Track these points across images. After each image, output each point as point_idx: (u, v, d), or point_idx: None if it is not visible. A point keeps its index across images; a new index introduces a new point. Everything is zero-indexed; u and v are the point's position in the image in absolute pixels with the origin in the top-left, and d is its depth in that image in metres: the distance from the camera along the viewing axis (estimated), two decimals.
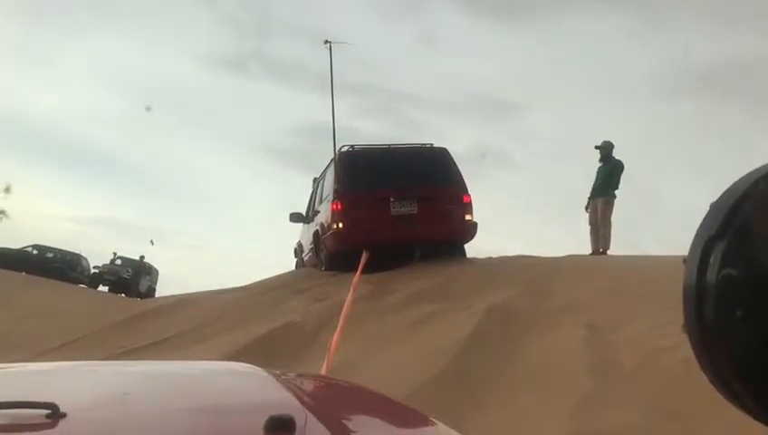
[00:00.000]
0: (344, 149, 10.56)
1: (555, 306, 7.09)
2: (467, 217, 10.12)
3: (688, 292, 0.61)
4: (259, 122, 54.82)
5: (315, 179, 12.42)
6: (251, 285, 10.46)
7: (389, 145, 10.88)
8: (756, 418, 0.60)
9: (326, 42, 10.11)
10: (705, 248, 0.60)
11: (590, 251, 11.97)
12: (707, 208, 0.62)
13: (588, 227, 12.29)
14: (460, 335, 6.24)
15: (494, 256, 11.21)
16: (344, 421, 1.13)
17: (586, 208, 12.13)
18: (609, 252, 11.94)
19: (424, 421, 1.34)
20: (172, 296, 10.44)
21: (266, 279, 10.79)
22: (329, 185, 10.50)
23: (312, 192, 12.36)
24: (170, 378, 1.43)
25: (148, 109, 30.39)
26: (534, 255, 10.98)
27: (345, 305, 7.32)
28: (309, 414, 1.07)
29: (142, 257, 26.45)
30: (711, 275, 0.59)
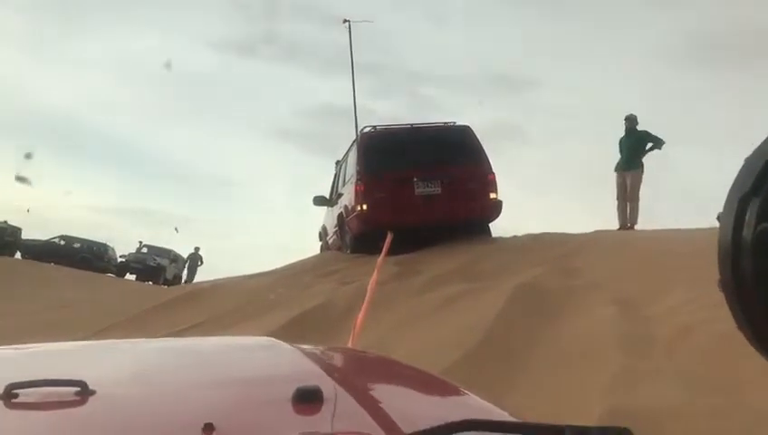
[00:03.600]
0: (366, 129, 10.52)
1: (585, 283, 7.03)
2: (492, 196, 10.05)
3: (724, 248, 0.60)
4: (275, 106, 54.92)
5: (338, 162, 12.40)
6: (278, 269, 10.51)
7: (411, 125, 10.81)
8: None
9: (345, 21, 10.05)
10: (740, 204, 0.59)
11: (618, 226, 11.86)
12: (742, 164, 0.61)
13: (615, 202, 12.20)
14: (490, 313, 6.21)
15: (518, 234, 11.15)
16: (371, 391, 1.12)
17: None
18: (636, 227, 11.83)
19: (453, 390, 1.32)
20: (202, 283, 10.55)
21: (293, 263, 10.83)
22: (351, 167, 10.47)
23: (335, 175, 12.34)
24: (197, 353, 1.43)
25: (167, 65, 29.63)
26: (560, 232, 10.90)
27: (370, 285, 7.34)
28: (336, 385, 1.07)
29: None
30: (747, 231, 0.58)
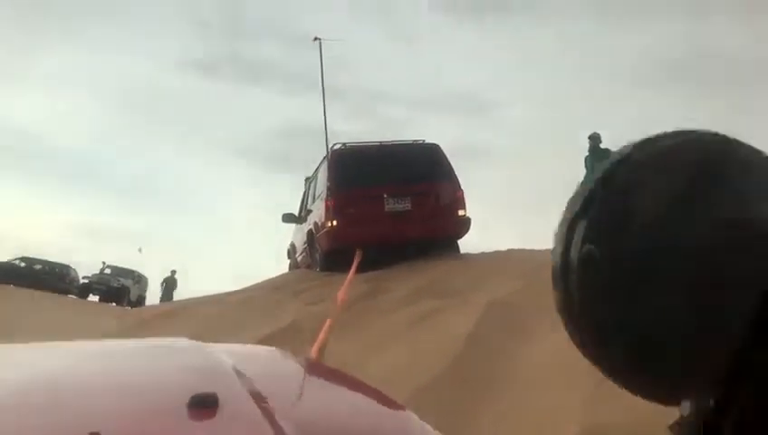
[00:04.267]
0: (336, 147, 10.46)
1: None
2: (461, 213, 10.05)
3: (555, 266, 0.65)
4: (239, 125, 54.78)
5: (307, 179, 12.31)
6: (247, 288, 10.33)
7: (381, 142, 10.78)
8: (615, 381, 0.66)
9: (315, 38, 10.00)
10: (569, 225, 0.63)
11: None
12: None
13: None
14: (461, 332, 6.15)
15: (486, 250, 11.14)
16: (281, 398, 1.06)
17: None
18: None
19: (382, 401, 1.23)
20: (166, 304, 10.31)
21: (261, 282, 10.66)
22: (322, 183, 10.40)
23: (305, 192, 12.25)
24: (101, 356, 1.36)
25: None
26: (527, 248, 10.91)
27: (338, 298, 7.19)
28: (242, 390, 1.02)
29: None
30: (574, 251, 0.62)
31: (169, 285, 24.31)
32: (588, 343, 0.65)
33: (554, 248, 0.65)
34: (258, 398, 1.01)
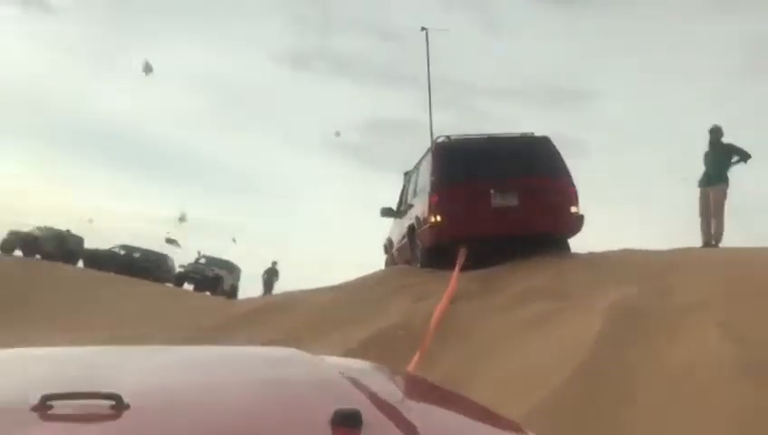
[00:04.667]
0: (440, 140, 10.17)
1: (682, 304, 6.48)
2: (573, 209, 9.57)
3: None
4: (328, 118, 55.31)
5: (407, 173, 12.06)
6: (347, 283, 10.18)
7: (488, 135, 10.41)
8: None
9: (422, 29, 9.75)
10: None
11: (702, 243, 11.22)
12: None
13: (698, 219, 11.54)
14: (584, 337, 5.74)
15: (595, 250, 10.62)
16: (415, 417, 1.04)
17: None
18: (720, 244, 11.16)
19: (507, 425, 1.22)
20: (267, 297, 10.30)
21: (362, 277, 10.49)
22: (424, 177, 10.12)
23: (404, 186, 12.00)
24: (232, 366, 1.39)
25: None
26: (641, 248, 10.33)
27: (439, 306, 6.91)
28: (373, 407, 1.03)
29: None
30: None
31: (270, 276, 24.21)
32: None
33: None
34: (398, 417, 1.01)
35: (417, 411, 1.10)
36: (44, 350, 1.52)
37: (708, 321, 5.78)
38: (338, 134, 29.24)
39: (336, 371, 1.28)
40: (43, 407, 0.95)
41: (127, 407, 0.97)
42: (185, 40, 57.41)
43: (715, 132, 11.33)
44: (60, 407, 0.95)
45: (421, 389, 1.51)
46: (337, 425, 0.91)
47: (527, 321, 6.42)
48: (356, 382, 1.19)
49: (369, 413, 0.96)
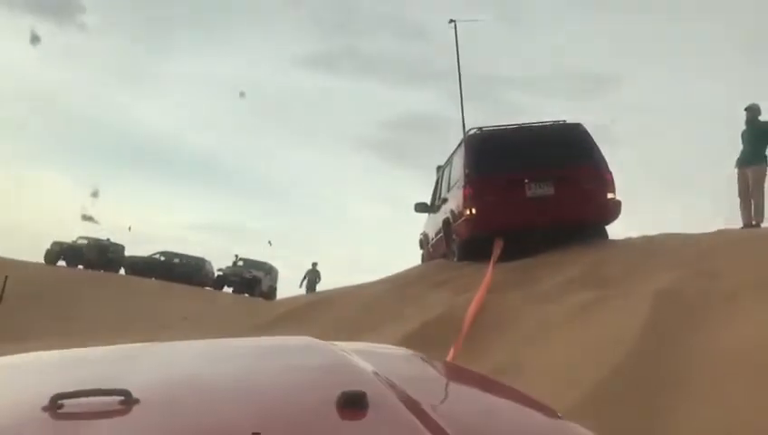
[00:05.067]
0: (471, 132, 10.13)
1: (730, 288, 6.35)
2: (609, 196, 9.45)
3: None
4: (356, 119, 55.41)
5: (439, 167, 12.04)
6: (385, 279, 10.20)
7: (520, 124, 10.34)
8: None
9: (451, 21, 9.72)
10: None
11: (742, 224, 11.00)
12: None
13: (737, 200, 11.32)
14: (632, 324, 5.66)
15: (631, 236, 10.48)
16: (425, 398, 1.02)
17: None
18: (763, 224, 10.93)
19: (528, 403, 1.20)
20: (305, 296, 10.38)
21: (399, 273, 10.51)
22: (458, 170, 10.08)
23: (437, 180, 11.98)
24: (238, 356, 1.39)
25: (242, 95, 31.80)
26: (680, 233, 10.16)
27: (476, 298, 6.88)
28: (383, 389, 1.02)
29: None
30: None
31: (312, 277, 24.01)
32: None
33: None
34: (404, 398, 0.99)
35: (428, 393, 1.08)
36: (56, 352, 1.53)
37: (762, 304, 5.66)
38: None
39: (346, 355, 1.28)
40: (54, 406, 0.96)
41: (136, 402, 0.97)
42: (212, 50, 57.98)
43: (752, 111, 11.06)
44: (70, 406, 0.96)
45: (440, 371, 1.49)
46: (343, 406, 0.91)
47: (570, 310, 6.35)
48: (366, 366, 1.18)
49: (377, 395, 0.96)
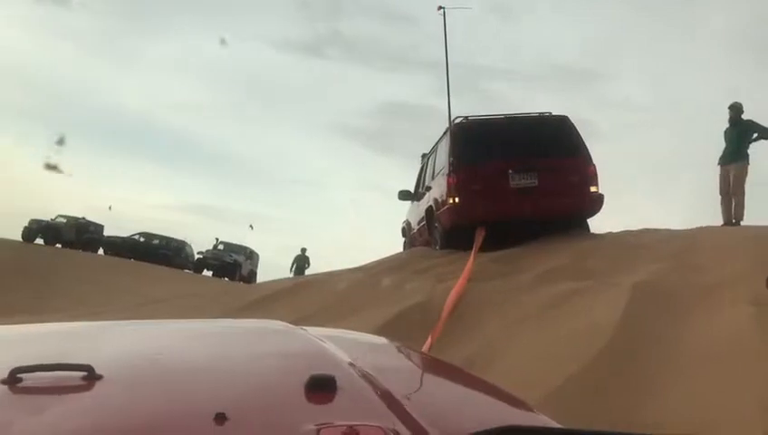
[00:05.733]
0: (457, 120, 10.09)
1: (709, 282, 6.40)
2: (592, 189, 9.47)
3: None
4: (340, 104, 55.25)
5: (424, 155, 12.01)
6: (366, 265, 10.17)
7: (506, 115, 10.32)
8: None
9: (439, 8, 9.65)
10: None
11: (722, 222, 11.09)
12: None
13: (718, 197, 11.41)
14: (610, 315, 5.68)
15: (614, 230, 10.52)
16: (394, 385, 1.02)
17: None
18: (742, 222, 11.03)
19: (489, 389, 1.23)
20: (285, 280, 10.33)
21: (381, 260, 10.48)
22: (442, 159, 10.05)
23: (422, 168, 11.95)
24: (207, 337, 1.38)
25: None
26: (661, 228, 10.23)
27: (458, 282, 6.87)
28: (352, 373, 1.02)
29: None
30: None
31: (300, 263, 23.81)
32: None
33: None
34: (373, 384, 0.99)
35: (396, 378, 1.08)
36: (18, 327, 1.49)
37: (739, 298, 5.69)
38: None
39: (317, 340, 1.26)
40: (13, 380, 0.93)
41: (99, 378, 0.95)
42: (197, 31, 57.53)
43: (735, 109, 11.14)
44: (30, 380, 0.94)
45: (411, 360, 1.49)
46: (311, 390, 0.91)
47: (551, 300, 6.36)
48: (336, 351, 1.17)
49: (346, 379, 0.96)
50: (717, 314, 5.55)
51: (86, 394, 0.93)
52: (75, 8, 46.89)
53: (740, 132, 11.07)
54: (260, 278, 28.83)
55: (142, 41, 52.15)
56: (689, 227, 9.96)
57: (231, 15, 55.86)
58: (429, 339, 5.82)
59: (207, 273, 29.44)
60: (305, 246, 24.33)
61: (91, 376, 0.95)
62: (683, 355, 4.84)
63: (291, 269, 23.35)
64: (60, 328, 1.52)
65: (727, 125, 11.27)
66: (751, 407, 4.02)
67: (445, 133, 10.25)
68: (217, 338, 1.37)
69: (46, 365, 0.95)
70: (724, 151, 11.20)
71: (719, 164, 11.25)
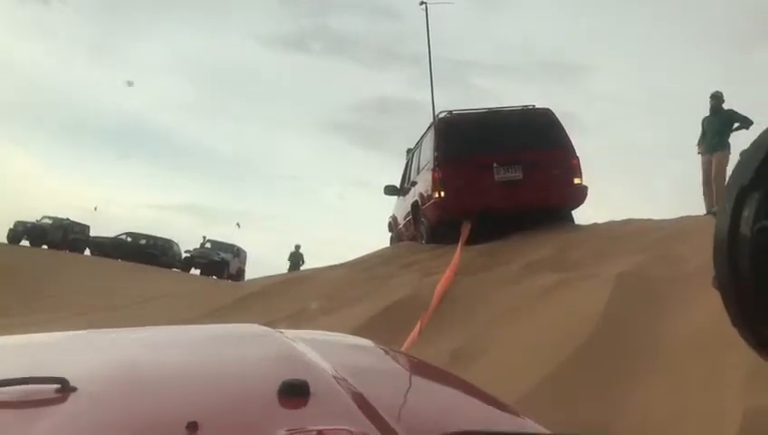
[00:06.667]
0: (442, 115, 10.14)
1: (691, 272, 6.47)
2: (576, 181, 9.56)
3: (720, 245, 0.61)
4: (324, 99, 55.17)
5: (409, 150, 12.06)
6: (353, 260, 10.21)
7: (489, 108, 10.38)
8: None
9: (422, 2, 9.68)
10: (738, 199, 0.58)
11: (705, 211, 11.20)
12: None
13: (700, 187, 11.52)
14: (594, 306, 5.75)
15: (598, 221, 10.62)
16: (368, 388, 1.02)
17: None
18: None
19: (469, 391, 1.23)
20: (274, 276, 10.35)
21: (368, 254, 10.52)
22: (427, 153, 10.10)
23: (407, 163, 12.00)
24: (181, 344, 1.38)
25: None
26: (645, 218, 10.33)
27: (444, 276, 6.93)
28: (327, 378, 1.02)
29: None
30: (745, 228, 0.58)
31: (295, 260, 23.56)
32: (762, 331, 0.59)
33: (718, 222, 0.61)
34: (347, 388, 0.99)
35: (371, 381, 1.08)
36: None
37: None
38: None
39: (292, 343, 1.26)
40: None
41: (74, 390, 0.94)
42: (182, 29, 57.19)
43: (716, 98, 11.24)
44: (3, 393, 0.92)
45: (389, 361, 1.49)
46: (283, 395, 0.91)
47: (535, 292, 6.43)
48: (311, 354, 1.17)
49: (319, 384, 0.96)
50: (700, 303, 5.64)
51: (60, 407, 0.93)
52: (59, 6, 46.58)
53: (722, 121, 11.17)
54: (249, 275, 28.82)
55: (127, 39, 51.89)
56: (671, 218, 10.06)
57: (216, 12, 55.70)
58: (417, 328, 5.88)
59: (196, 271, 29.38)
60: (299, 244, 24.15)
61: (65, 388, 0.94)
62: (664, 346, 4.92)
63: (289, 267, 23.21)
64: (34, 339, 1.50)
65: (708, 114, 11.39)
66: (729, 397, 4.11)
67: (429, 128, 10.29)
68: (193, 345, 1.37)
69: (19, 379, 0.94)
70: (706, 140, 11.29)
71: (700, 153, 11.35)
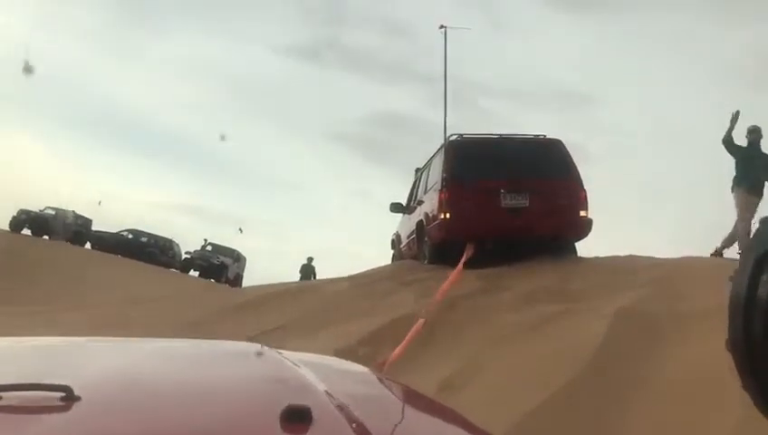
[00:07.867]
0: (453, 137, 10.19)
1: (692, 310, 6.47)
2: (582, 213, 9.58)
3: (736, 307, 0.64)
4: (336, 111, 55.42)
5: (418, 169, 12.10)
6: (354, 276, 10.22)
7: (501, 135, 10.43)
8: None
9: (441, 26, 9.79)
10: (756, 263, 0.60)
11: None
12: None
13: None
14: (590, 340, 5.75)
15: (600, 255, 10.61)
16: (369, 417, 1.03)
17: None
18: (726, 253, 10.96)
19: (456, 419, 1.24)
20: (274, 285, 10.36)
21: (370, 271, 10.53)
22: (435, 174, 10.14)
23: (415, 182, 12.03)
24: (188, 360, 1.39)
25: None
26: (647, 255, 10.32)
27: (443, 286, 6.90)
28: (328, 404, 1.02)
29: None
30: (762, 291, 0.59)
31: (306, 272, 23.20)
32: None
33: (735, 288, 0.62)
34: (348, 415, 0.99)
35: (372, 411, 1.08)
36: None
37: (718, 327, 5.75)
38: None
39: (295, 367, 1.26)
40: None
41: (77, 399, 0.94)
42: (195, 31, 57.61)
43: (757, 133, 9.92)
44: (7, 399, 0.92)
45: (386, 390, 1.50)
46: (286, 421, 0.90)
47: (533, 321, 6.44)
48: (313, 379, 1.17)
49: (321, 410, 0.96)
50: (699, 343, 5.63)
51: (62, 416, 0.93)
52: (81, 3, 46.99)
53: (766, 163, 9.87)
54: (248, 282, 28.77)
55: (140, 38, 52.33)
56: (675, 257, 10.04)
57: (230, 17, 56.09)
58: (398, 350, 5.87)
59: (194, 273, 29.38)
60: (312, 256, 23.62)
61: (68, 397, 0.94)
62: (658, 383, 4.92)
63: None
64: (39, 344, 1.50)
65: (745, 144, 9.99)
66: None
67: (439, 149, 10.34)
68: (197, 362, 1.37)
69: (24, 385, 0.94)
70: (753, 178, 9.83)
71: (747, 193, 9.86)
